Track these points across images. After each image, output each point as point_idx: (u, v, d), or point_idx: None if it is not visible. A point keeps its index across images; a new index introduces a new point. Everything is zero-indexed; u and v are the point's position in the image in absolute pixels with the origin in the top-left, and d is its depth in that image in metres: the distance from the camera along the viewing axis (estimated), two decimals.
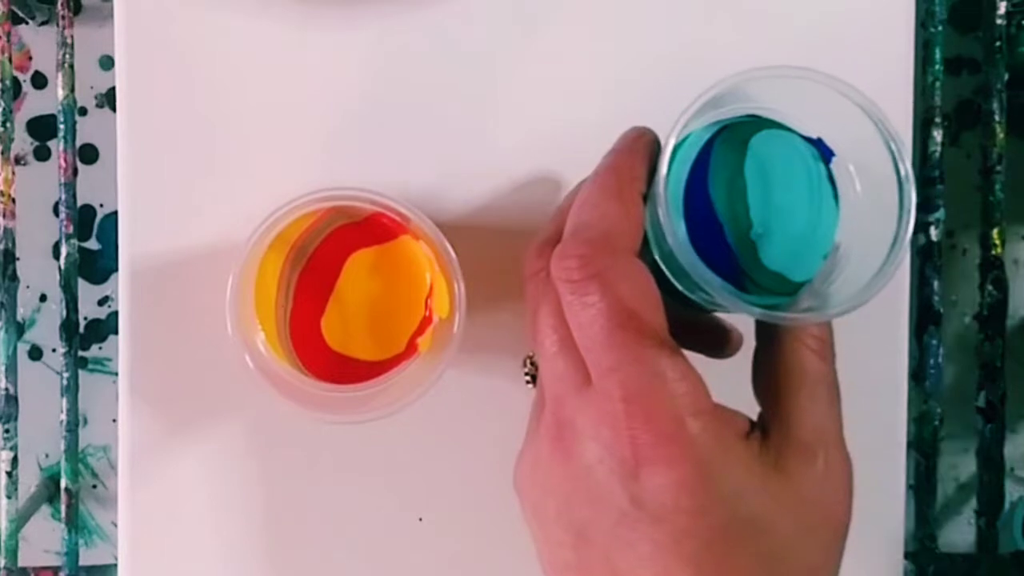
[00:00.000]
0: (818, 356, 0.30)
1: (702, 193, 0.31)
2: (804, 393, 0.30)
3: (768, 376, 0.30)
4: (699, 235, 0.31)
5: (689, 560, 0.27)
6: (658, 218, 0.29)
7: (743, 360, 0.32)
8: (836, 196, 0.32)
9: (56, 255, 0.50)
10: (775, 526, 0.28)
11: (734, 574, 0.27)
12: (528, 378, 0.35)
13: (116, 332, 0.43)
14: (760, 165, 0.31)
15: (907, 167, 0.29)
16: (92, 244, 0.96)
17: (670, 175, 0.30)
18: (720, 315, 0.36)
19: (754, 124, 0.32)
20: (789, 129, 0.32)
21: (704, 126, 0.32)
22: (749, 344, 0.33)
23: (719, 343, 0.36)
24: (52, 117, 0.95)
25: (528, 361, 0.36)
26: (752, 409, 0.30)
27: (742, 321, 0.34)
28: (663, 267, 0.31)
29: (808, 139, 0.32)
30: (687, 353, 0.29)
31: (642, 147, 0.32)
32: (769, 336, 0.31)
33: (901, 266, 0.29)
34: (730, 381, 0.30)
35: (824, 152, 0.32)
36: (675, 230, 0.29)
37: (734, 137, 0.32)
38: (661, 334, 0.28)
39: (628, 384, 0.27)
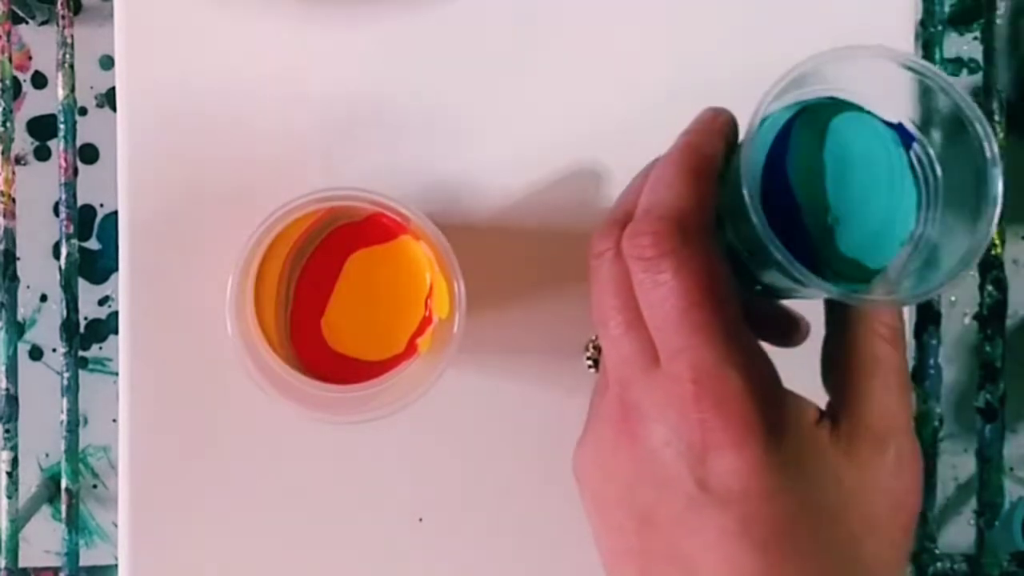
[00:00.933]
0: (890, 344, 0.30)
1: (780, 175, 0.31)
2: (877, 381, 0.29)
3: (839, 364, 0.30)
4: (776, 217, 0.30)
5: (756, 546, 0.26)
6: (736, 199, 0.29)
7: (809, 350, 0.32)
8: (916, 182, 0.31)
9: (56, 255, 0.50)
10: (845, 515, 0.27)
11: (801, 562, 0.27)
12: (590, 363, 0.35)
13: (116, 332, 0.43)
14: (839, 148, 0.31)
15: (994, 150, 0.29)
16: (92, 244, 0.96)
17: (751, 157, 0.29)
18: (788, 303, 0.35)
19: (834, 106, 0.32)
20: (869, 112, 0.32)
21: (783, 107, 0.31)
22: (816, 335, 0.32)
23: (786, 331, 0.35)
24: (52, 117, 0.95)
25: (591, 345, 0.35)
26: (818, 400, 0.30)
27: (809, 311, 0.33)
28: (738, 249, 0.30)
29: (889, 123, 0.31)
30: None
31: (719, 127, 0.31)
32: (840, 324, 0.30)
33: (979, 256, 0.29)
34: (796, 371, 0.30)
35: (905, 137, 0.31)
36: (758, 212, 0.28)
37: (814, 119, 0.31)
38: (734, 316, 0.28)
39: (699, 366, 0.27)
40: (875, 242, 0.31)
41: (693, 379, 0.27)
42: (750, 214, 0.28)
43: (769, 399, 0.27)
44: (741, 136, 0.30)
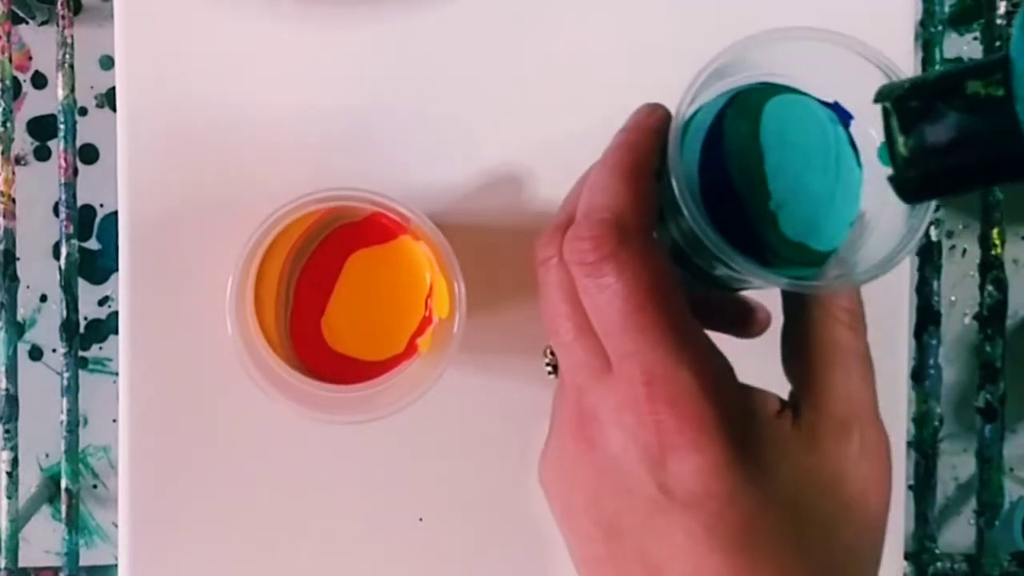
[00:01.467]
0: (849, 329, 0.29)
1: (718, 166, 0.30)
2: (837, 367, 0.29)
3: (798, 352, 0.29)
4: (717, 209, 0.29)
5: (723, 548, 0.26)
6: (673, 194, 0.28)
7: (771, 339, 0.31)
8: (859, 161, 0.30)
9: (56, 255, 0.50)
10: (811, 506, 0.27)
11: (770, 558, 0.26)
12: (549, 368, 0.34)
13: (116, 332, 0.43)
14: (776, 132, 0.30)
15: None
16: (92, 244, 0.96)
17: (683, 149, 0.29)
18: (745, 293, 0.35)
19: (766, 91, 0.31)
20: (804, 94, 0.31)
21: (715, 97, 0.31)
22: (776, 323, 0.32)
23: (745, 322, 0.35)
24: (52, 117, 0.95)
25: (548, 351, 0.34)
26: (783, 390, 0.30)
27: (768, 299, 0.33)
28: (682, 244, 0.30)
29: (824, 103, 0.31)
30: (713, 334, 0.28)
31: (653, 123, 0.31)
32: (798, 311, 0.30)
33: (923, 230, 0.28)
34: (759, 361, 0.29)
35: (843, 116, 0.31)
36: (691, 206, 0.28)
37: (746, 105, 0.31)
38: (681, 314, 0.27)
39: (649, 368, 0.26)
40: (822, 224, 0.30)
41: (645, 381, 0.26)
42: (681, 208, 0.28)
43: (724, 395, 0.27)
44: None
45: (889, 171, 0.27)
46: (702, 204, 0.29)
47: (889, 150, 0.26)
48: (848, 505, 0.28)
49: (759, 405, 0.28)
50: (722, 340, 0.29)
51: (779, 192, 0.30)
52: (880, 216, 0.30)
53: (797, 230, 0.30)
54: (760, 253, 0.30)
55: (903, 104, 0.25)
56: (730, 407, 0.27)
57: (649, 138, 0.30)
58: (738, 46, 0.29)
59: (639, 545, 0.27)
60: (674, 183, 0.28)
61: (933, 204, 0.28)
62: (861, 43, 0.29)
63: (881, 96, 0.26)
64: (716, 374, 0.27)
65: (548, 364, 0.35)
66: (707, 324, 0.29)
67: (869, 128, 0.30)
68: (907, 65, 0.43)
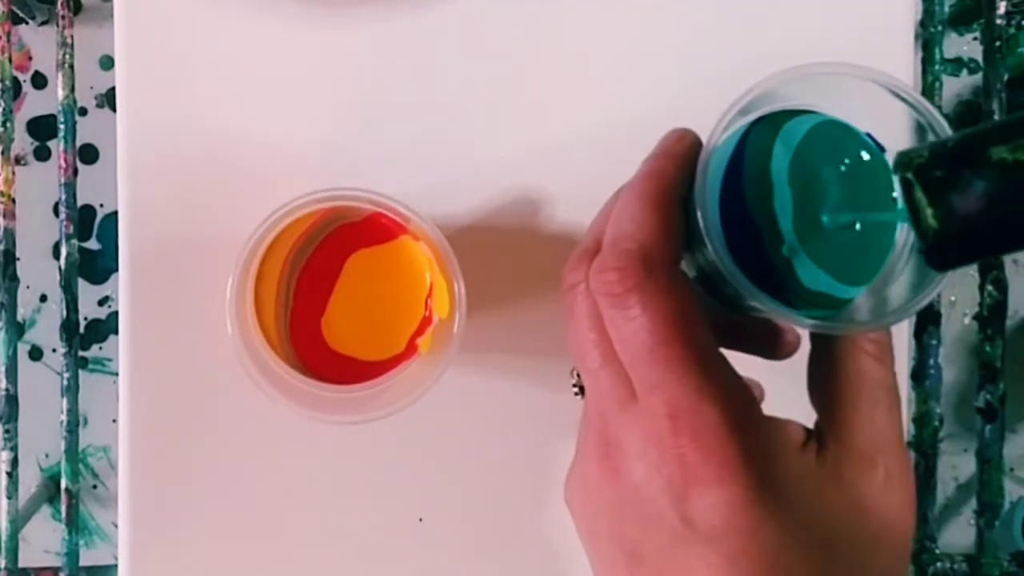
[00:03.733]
0: (876, 360, 0.29)
1: (738, 198, 0.29)
2: (863, 399, 0.29)
3: (824, 382, 0.29)
4: (740, 244, 0.29)
5: None
6: (698, 228, 0.28)
7: (801, 361, 0.31)
8: (894, 191, 0.29)
9: (56, 255, 0.50)
10: (834, 539, 0.27)
11: None
12: (576, 389, 0.34)
13: (116, 332, 0.43)
14: (803, 161, 0.29)
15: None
16: (92, 244, 0.96)
17: (709, 180, 0.28)
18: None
19: (791, 116, 0.30)
20: (837, 120, 0.30)
21: (743, 123, 0.30)
22: (805, 346, 0.31)
23: (773, 344, 0.34)
24: (52, 117, 0.95)
25: (576, 372, 0.34)
26: (809, 414, 0.29)
27: None
28: (709, 273, 0.29)
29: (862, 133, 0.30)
30: (741, 356, 0.28)
31: (681, 151, 0.31)
32: (824, 340, 0.29)
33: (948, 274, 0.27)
34: (787, 386, 0.29)
35: (879, 145, 0.30)
36: (715, 243, 0.27)
37: (765, 133, 0.29)
38: (706, 348, 0.27)
39: (673, 401, 0.26)
40: (847, 266, 0.29)
41: (669, 414, 0.26)
42: (706, 244, 0.27)
43: (748, 429, 0.27)
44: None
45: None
46: (724, 239, 0.29)
47: (915, 221, 0.25)
48: (875, 538, 0.28)
49: (783, 437, 0.28)
50: (750, 362, 0.29)
51: (798, 232, 0.29)
52: (909, 249, 0.29)
53: (815, 278, 0.29)
54: (783, 294, 0.29)
55: (926, 174, 0.24)
56: (754, 441, 0.26)
57: (676, 166, 0.30)
58: (773, 79, 0.28)
59: (661, 573, 0.27)
60: (699, 218, 0.27)
61: None
62: (897, 81, 0.28)
63: (900, 166, 0.25)
64: (740, 408, 0.27)
65: (575, 385, 0.35)
66: (735, 346, 0.29)
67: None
68: (907, 65, 0.43)
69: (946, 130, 0.27)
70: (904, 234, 0.29)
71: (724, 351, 0.29)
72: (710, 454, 0.26)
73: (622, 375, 0.28)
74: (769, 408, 0.28)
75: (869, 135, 0.30)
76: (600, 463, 0.28)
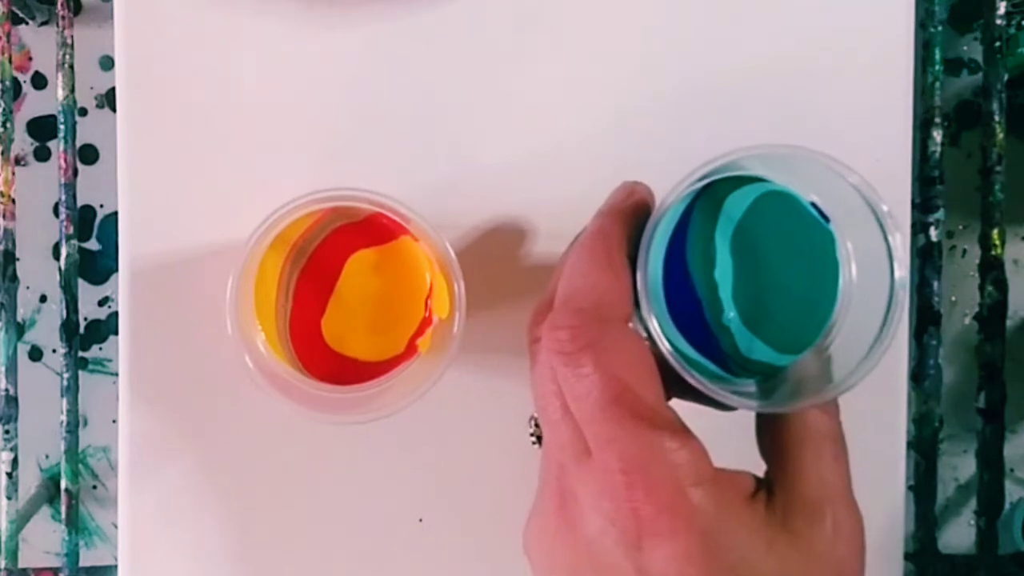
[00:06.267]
0: (821, 411, 0.30)
1: (681, 266, 0.30)
2: (808, 449, 0.29)
3: (771, 433, 0.30)
4: (680, 309, 0.29)
5: None
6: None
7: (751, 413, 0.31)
8: (837, 259, 0.30)
9: (56, 256, 0.50)
10: None
11: None
12: (534, 439, 0.35)
13: (116, 332, 0.43)
14: (747, 229, 0.30)
15: (904, 271, 0.28)
16: (92, 244, 0.95)
17: (652, 247, 0.29)
18: None
19: (737, 183, 0.30)
20: (783, 190, 0.30)
21: (691, 188, 0.30)
22: None
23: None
24: (52, 117, 0.95)
25: (533, 422, 0.35)
26: (761, 466, 0.30)
27: None
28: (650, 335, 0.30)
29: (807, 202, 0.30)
30: (693, 407, 0.28)
31: (630, 208, 0.31)
32: None
33: (891, 339, 0.28)
34: (739, 435, 0.29)
35: (823, 215, 0.30)
36: (655, 319, 0.28)
37: (711, 201, 0.30)
38: (657, 405, 0.28)
39: (626, 456, 0.27)
40: (788, 332, 0.30)
41: (622, 469, 0.27)
42: (647, 325, 0.28)
43: (699, 482, 0.27)
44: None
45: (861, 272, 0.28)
46: (665, 304, 0.29)
47: None
48: None
49: (733, 489, 0.28)
50: (703, 414, 0.29)
51: (738, 301, 0.30)
52: (853, 306, 0.30)
53: (755, 347, 0.30)
54: (721, 359, 0.30)
55: None
56: (704, 495, 0.27)
57: (624, 224, 0.30)
58: (730, 155, 0.29)
59: None
60: (639, 285, 0.28)
61: (903, 314, 0.28)
62: (856, 175, 0.28)
63: None
64: (691, 462, 0.27)
65: (532, 435, 0.35)
66: (686, 397, 0.29)
67: (847, 243, 0.30)
68: (907, 65, 0.43)
69: (881, 207, 0.28)
70: (842, 301, 0.30)
71: (675, 401, 0.29)
72: (662, 509, 0.27)
73: (579, 428, 0.28)
74: (720, 457, 0.28)
75: (814, 204, 0.30)
76: (557, 513, 0.29)
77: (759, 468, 0.30)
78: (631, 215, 0.31)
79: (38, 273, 0.93)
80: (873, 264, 0.29)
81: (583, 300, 0.29)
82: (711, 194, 0.30)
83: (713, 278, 0.30)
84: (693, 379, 0.28)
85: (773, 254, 0.30)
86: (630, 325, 0.29)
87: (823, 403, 0.29)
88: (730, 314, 0.30)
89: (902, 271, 0.28)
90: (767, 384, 0.30)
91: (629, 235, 0.30)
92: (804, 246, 0.30)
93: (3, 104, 0.52)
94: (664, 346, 0.28)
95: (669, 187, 0.29)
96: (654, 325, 0.28)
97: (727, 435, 0.29)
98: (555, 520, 0.29)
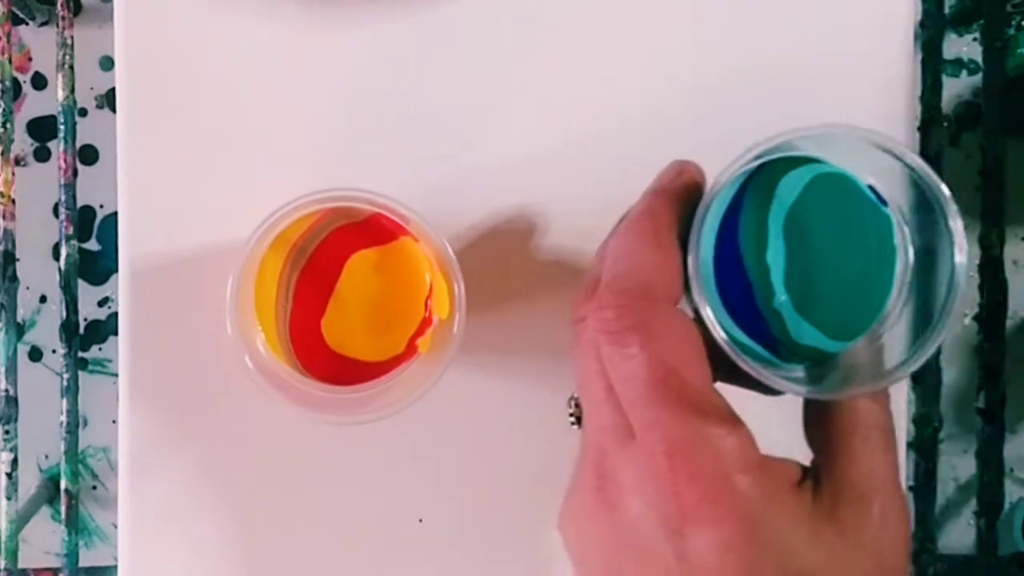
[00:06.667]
0: (872, 399, 0.29)
1: (732, 248, 0.29)
2: (857, 438, 0.29)
3: (820, 422, 0.29)
4: (730, 293, 0.29)
5: None
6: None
7: (798, 400, 0.31)
8: (894, 244, 0.29)
9: (56, 256, 0.50)
10: None
11: None
12: (573, 419, 0.34)
13: (116, 333, 0.43)
14: (801, 211, 0.29)
15: (963, 256, 0.27)
16: (92, 245, 0.95)
17: (702, 231, 0.28)
18: None
19: (792, 164, 0.29)
20: (840, 171, 0.29)
21: (744, 169, 0.29)
22: None
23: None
24: (52, 118, 0.95)
25: (574, 402, 0.35)
26: (808, 455, 0.29)
27: None
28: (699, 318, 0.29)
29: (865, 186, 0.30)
30: (740, 392, 0.28)
31: (680, 187, 0.30)
32: None
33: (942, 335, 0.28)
34: (786, 423, 0.29)
35: (880, 198, 0.29)
36: (702, 296, 0.27)
37: (764, 182, 0.29)
38: (704, 388, 0.27)
39: (671, 440, 0.26)
40: (840, 318, 0.29)
41: (666, 453, 0.26)
42: (698, 306, 0.27)
43: (745, 469, 0.27)
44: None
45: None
46: (716, 287, 0.29)
47: None
48: None
49: (779, 477, 0.28)
50: (751, 399, 0.29)
51: (789, 285, 0.29)
52: (907, 295, 0.29)
53: (804, 332, 0.29)
54: (771, 344, 0.29)
55: None
56: (750, 482, 0.27)
57: (673, 205, 0.30)
58: (784, 135, 0.28)
59: None
60: (690, 267, 0.28)
61: (960, 302, 0.28)
62: (916, 157, 0.28)
63: None
64: (737, 448, 0.27)
65: (572, 415, 0.35)
66: (733, 381, 0.29)
67: (904, 226, 0.30)
68: (907, 65, 0.43)
69: (943, 191, 0.28)
70: (898, 288, 0.30)
71: (721, 385, 0.29)
72: (706, 494, 0.26)
73: (623, 410, 0.28)
74: (766, 445, 0.28)
75: (871, 187, 0.30)
76: (596, 496, 0.29)
77: (806, 457, 0.29)
78: (681, 195, 0.30)
79: (38, 273, 0.93)
80: (930, 250, 0.28)
81: (631, 280, 0.28)
82: (764, 175, 0.30)
83: (765, 261, 0.29)
84: (745, 364, 0.27)
85: (827, 238, 0.29)
86: (678, 306, 0.29)
87: (874, 391, 0.29)
88: (781, 298, 0.29)
89: (962, 257, 0.27)
90: (817, 370, 0.29)
91: (679, 215, 0.30)
92: (859, 230, 0.29)
93: (3, 104, 0.52)
94: (719, 333, 0.27)
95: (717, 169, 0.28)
96: (707, 312, 0.27)
97: (773, 422, 0.28)
98: (593, 501, 0.29)
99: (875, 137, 0.28)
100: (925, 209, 0.28)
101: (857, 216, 0.29)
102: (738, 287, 0.29)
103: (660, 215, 0.29)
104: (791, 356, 0.29)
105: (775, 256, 0.29)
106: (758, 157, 0.28)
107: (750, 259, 0.29)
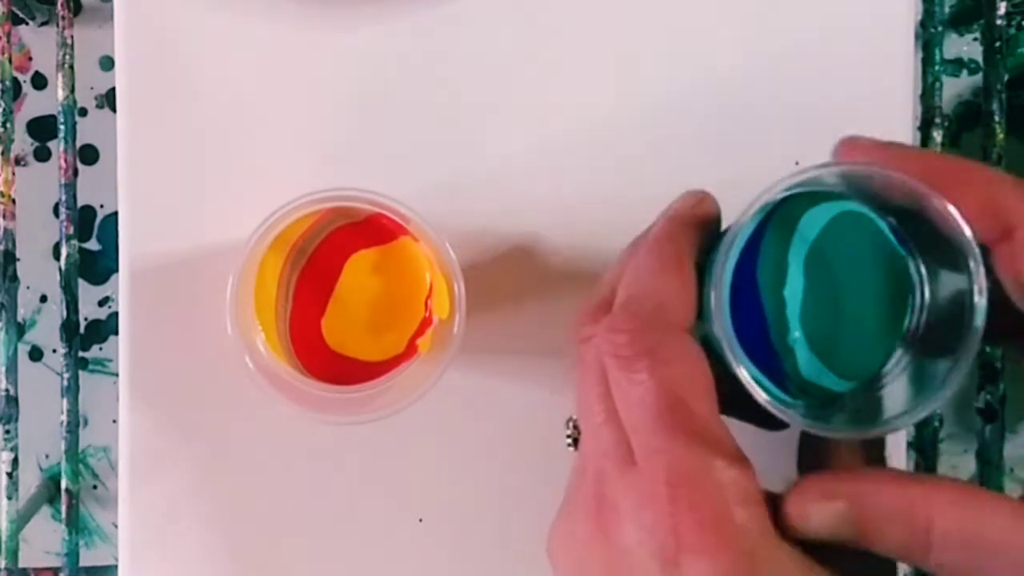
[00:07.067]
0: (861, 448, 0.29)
1: (750, 280, 0.29)
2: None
3: (811, 459, 0.29)
4: (744, 325, 0.28)
5: None
6: (709, 302, 0.27)
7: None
8: (909, 289, 0.28)
9: (56, 256, 0.50)
10: None
11: None
12: (570, 441, 0.34)
13: (116, 332, 0.43)
14: (822, 247, 0.28)
15: (983, 297, 0.26)
16: (92, 245, 0.95)
17: (726, 264, 0.28)
18: None
19: (815, 199, 0.29)
20: (863, 207, 0.29)
21: (768, 203, 0.29)
22: None
23: (772, 415, 0.35)
24: (52, 118, 0.95)
25: (572, 424, 0.34)
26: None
27: None
28: (715, 344, 0.29)
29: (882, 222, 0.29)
30: (739, 424, 0.28)
31: (701, 215, 0.30)
32: None
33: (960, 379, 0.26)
34: (785, 457, 0.29)
35: (900, 239, 0.29)
36: (724, 332, 0.27)
37: (786, 218, 0.29)
38: (710, 420, 0.27)
39: (674, 468, 0.26)
40: (850, 357, 0.29)
41: (668, 481, 0.26)
42: (716, 337, 0.27)
43: (745, 501, 0.26)
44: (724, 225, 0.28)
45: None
46: (731, 321, 0.28)
47: None
48: None
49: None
50: (751, 431, 0.29)
51: (805, 321, 0.29)
52: (925, 341, 0.29)
53: (815, 369, 0.29)
54: (778, 378, 0.29)
55: None
56: (749, 515, 0.26)
57: (692, 232, 0.30)
58: (810, 172, 0.27)
59: None
60: (711, 297, 0.27)
61: (976, 347, 0.26)
62: (940, 198, 0.26)
63: None
64: (739, 481, 0.26)
65: (569, 436, 0.34)
66: (734, 414, 0.28)
67: (920, 266, 0.29)
68: (907, 65, 0.43)
69: (967, 235, 0.26)
70: (910, 331, 0.29)
71: (724, 419, 0.28)
72: (705, 525, 0.26)
73: (624, 434, 0.28)
74: (767, 481, 0.28)
75: (895, 229, 0.29)
76: (592, 522, 0.28)
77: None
78: (700, 223, 0.30)
79: (38, 273, 0.93)
80: (947, 292, 0.27)
81: (646, 304, 0.28)
82: (787, 209, 0.29)
83: (782, 296, 0.29)
84: (761, 397, 0.27)
85: (847, 276, 0.29)
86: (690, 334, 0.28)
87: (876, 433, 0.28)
88: (796, 334, 0.29)
89: (981, 300, 0.26)
90: (824, 409, 0.29)
91: (697, 243, 0.29)
92: (878, 270, 0.29)
93: (3, 104, 0.52)
94: (743, 375, 0.27)
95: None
96: (728, 351, 0.27)
97: (774, 457, 0.28)
98: (588, 526, 0.28)
99: (896, 178, 0.26)
100: (944, 247, 0.27)
101: (876, 257, 0.29)
102: (753, 320, 0.29)
103: (679, 241, 0.29)
104: (800, 393, 0.29)
105: (792, 292, 0.29)
106: (786, 190, 0.27)
107: (767, 293, 0.29)
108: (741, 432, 0.29)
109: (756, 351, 0.28)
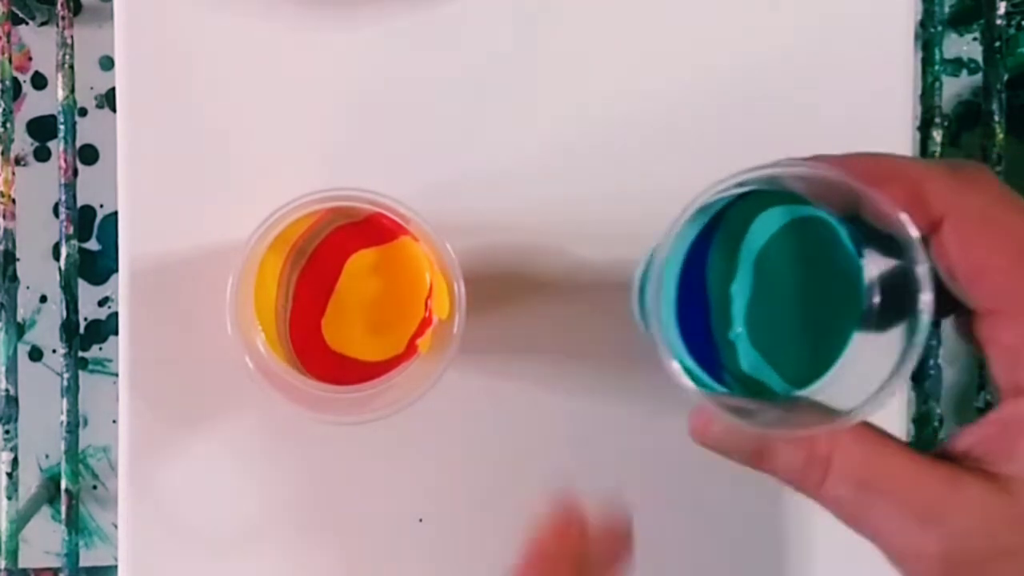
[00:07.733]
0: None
1: (701, 266, 0.29)
2: None
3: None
4: (687, 312, 0.28)
5: None
6: (646, 295, 0.27)
7: None
8: (862, 290, 0.28)
9: (56, 256, 0.50)
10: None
11: None
12: None
13: (116, 333, 0.43)
14: (775, 250, 0.28)
15: (929, 298, 0.25)
16: (92, 245, 0.95)
17: (677, 235, 0.27)
18: None
19: (773, 197, 0.29)
20: (821, 212, 0.28)
21: (730, 196, 0.28)
22: None
23: None
24: (52, 117, 0.95)
25: None
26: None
27: None
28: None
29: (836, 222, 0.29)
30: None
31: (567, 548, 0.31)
32: None
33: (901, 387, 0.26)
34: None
35: (857, 242, 0.28)
36: (660, 326, 0.26)
37: (742, 213, 0.29)
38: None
39: None
40: (795, 359, 0.28)
41: None
42: (649, 316, 0.26)
43: None
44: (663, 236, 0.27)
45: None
46: (675, 301, 0.28)
47: None
48: None
49: None
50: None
51: (748, 318, 0.28)
52: (864, 341, 0.28)
53: (759, 367, 0.29)
54: (719, 373, 0.29)
55: None
56: None
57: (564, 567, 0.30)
58: (769, 168, 0.26)
59: None
60: (648, 295, 0.26)
61: (907, 374, 0.26)
62: (887, 202, 0.26)
63: None
64: None
65: None
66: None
67: (872, 271, 0.28)
68: (907, 65, 0.43)
69: (913, 238, 0.26)
70: (855, 346, 0.28)
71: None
72: None
73: None
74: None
75: (849, 230, 0.29)
76: None
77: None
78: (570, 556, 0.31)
79: (38, 273, 0.93)
80: (894, 300, 0.27)
81: None
82: (745, 206, 0.29)
83: (729, 291, 0.29)
84: (689, 387, 0.26)
85: (796, 278, 0.29)
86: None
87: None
88: (738, 330, 0.29)
89: (926, 314, 0.25)
90: (759, 403, 0.28)
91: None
92: (829, 273, 0.29)
93: (3, 104, 0.52)
94: (673, 367, 0.26)
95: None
96: (660, 344, 0.26)
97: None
98: None
99: (843, 179, 0.26)
100: (891, 245, 0.26)
101: (829, 262, 0.29)
102: (696, 308, 0.29)
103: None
104: (736, 385, 0.29)
105: (740, 288, 0.29)
106: (740, 185, 0.27)
107: (714, 286, 0.29)
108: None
109: (695, 339, 0.28)
